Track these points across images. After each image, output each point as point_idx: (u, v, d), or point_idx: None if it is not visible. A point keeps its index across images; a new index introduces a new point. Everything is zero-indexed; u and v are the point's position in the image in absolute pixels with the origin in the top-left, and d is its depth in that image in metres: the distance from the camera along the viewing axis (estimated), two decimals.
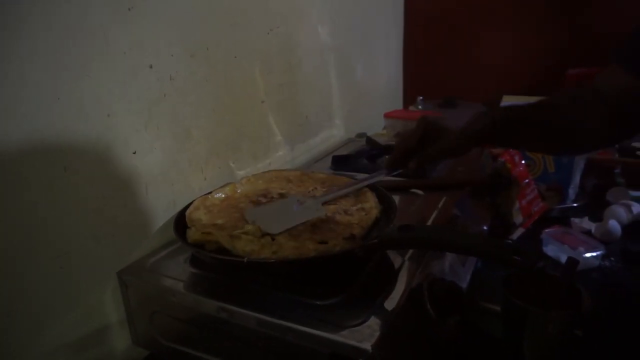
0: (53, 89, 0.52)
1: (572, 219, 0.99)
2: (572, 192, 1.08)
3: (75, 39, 0.54)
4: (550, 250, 0.88)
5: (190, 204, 0.67)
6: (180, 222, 0.63)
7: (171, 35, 0.67)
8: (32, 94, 0.50)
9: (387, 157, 0.65)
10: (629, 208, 0.98)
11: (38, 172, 0.52)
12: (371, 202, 0.66)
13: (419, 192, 0.84)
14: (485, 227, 0.91)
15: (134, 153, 0.63)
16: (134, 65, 0.62)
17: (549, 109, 0.64)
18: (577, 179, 1.08)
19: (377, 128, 1.47)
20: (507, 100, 1.18)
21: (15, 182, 0.50)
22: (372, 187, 0.71)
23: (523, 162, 1.02)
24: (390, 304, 0.51)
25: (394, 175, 0.68)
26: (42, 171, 0.52)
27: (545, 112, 0.63)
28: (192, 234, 0.57)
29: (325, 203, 0.66)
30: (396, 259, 0.60)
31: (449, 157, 0.63)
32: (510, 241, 0.93)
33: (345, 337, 0.46)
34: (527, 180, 1.00)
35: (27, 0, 0.48)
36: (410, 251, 0.62)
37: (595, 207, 1.03)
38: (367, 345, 0.44)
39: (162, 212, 0.69)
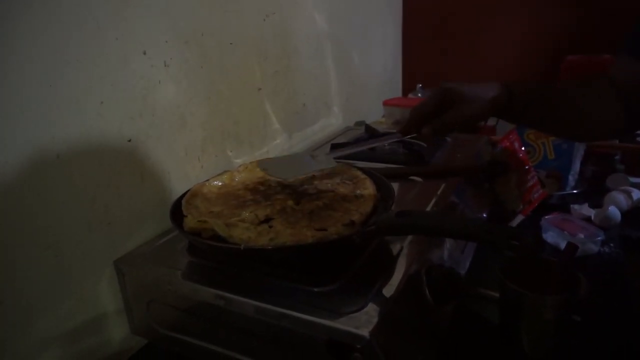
0: (44, 76, 0.51)
1: (572, 205, 0.99)
2: (571, 178, 1.08)
3: (65, 25, 0.53)
4: (550, 236, 0.88)
5: (187, 191, 0.66)
6: (177, 209, 0.62)
7: (165, 21, 0.66)
8: (23, 81, 0.49)
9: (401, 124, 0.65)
10: (628, 194, 0.97)
11: (29, 160, 0.51)
12: (370, 189, 0.66)
13: (418, 179, 0.84)
14: (484, 214, 0.91)
15: (129, 141, 0.63)
16: (127, 51, 0.61)
17: (563, 93, 0.64)
18: (577, 165, 1.08)
19: (376, 116, 1.46)
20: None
21: (6, 170, 0.49)
22: (370, 174, 0.71)
23: (523, 148, 1.01)
24: (388, 290, 0.51)
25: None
26: (33, 159, 0.51)
27: (560, 95, 0.64)
28: (188, 222, 0.57)
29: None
30: (394, 246, 0.60)
31: (464, 125, 0.62)
32: (508, 227, 0.93)
33: (342, 323, 0.46)
34: (526, 167, 1.00)
35: None
36: (409, 237, 0.61)
37: (595, 194, 1.03)
38: (365, 332, 0.44)
39: (158, 201, 0.69)
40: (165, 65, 0.67)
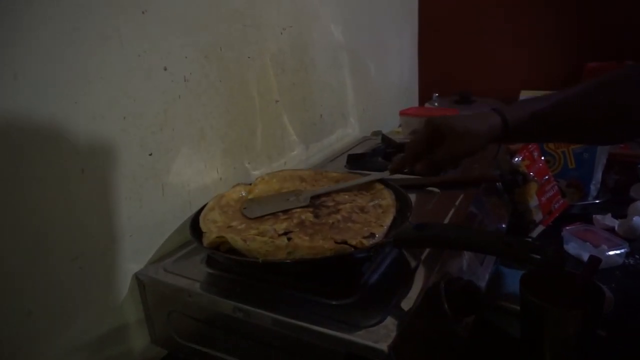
0: (69, 92, 0.53)
1: (595, 215, 0.97)
2: (593, 188, 1.06)
3: (90, 43, 0.55)
4: (572, 248, 0.86)
5: (205, 205, 0.67)
6: (197, 222, 0.63)
7: (185, 37, 0.68)
8: (50, 98, 0.51)
9: (394, 159, 0.64)
10: None
11: (55, 175, 0.52)
12: (388, 199, 0.66)
13: (435, 189, 0.83)
14: (503, 225, 0.90)
15: (150, 155, 0.64)
16: (149, 67, 0.63)
17: (566, 105, 0.59)
18: (598, 174, 1.06)
19: (393, 126, 1.46)
20: (525, 95, 1.16)
21: (34, 184, 0.50)
22: (387, 185, 0.71)
23: (542, 158, 1.00)
24: (406, 303, 0.51)
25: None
26: (60, 173, 0.53)
27: (565, 108, 0.59)
28: (207, 238, 0.58)
29: (317, 197, 0.69)
30: (412, 258, 0.60)
31: (458, 160, 0.60)
32: (529, 239, 0.91)
33: (361, 337, 0.46)
34: (546, 177, 0.98)
35: (42, 7, 0.49)
36: (427, 250, 0.61)
37: (619, 204, 1.00)
38: (384, 346, 0.44)
39: (178, 213, 0.70)
40: (185, 80, 0.69)
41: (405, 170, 0.64)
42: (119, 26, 0.58)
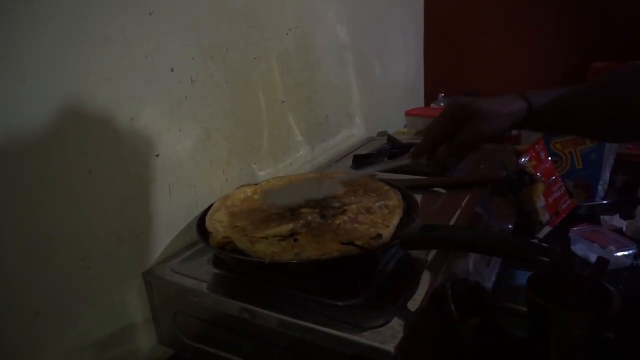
0: (77, 94, 0.53)
1: (602, 216, 0.96)
2: (601, 188, 1.05)
3: (97, 45, 0.55)
4: (579, 249, 0.85)
5: (211, 205, 0.68)
6: (203, 222, 0.63)
7: (191, 38, 0.68)
8: (57, 99, 0.51)
9: (414, 146, 0.61)
10: None
11: (63, 175, 0.53)
12: (394, 200, 0.66)
13: (441, 190, 0.83)
14: (510, 226, 0.89)
15: (157, 155, 0.64)
16: (156, 68, 0.63)
17: (576, 100, 0.58)
18: (606, 175, 1.05)
19: (398, 126, 1.46)
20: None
21: (40, 185, 0.51)
22: (393, 186, 0.71)
23: (549, 158, 0.99)
24: (412, 304, 0.51)
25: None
26: (67, 174, 0.53)
27: (589, 98, 0.57)
28: (214, 238, 0.58)
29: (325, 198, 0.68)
30: (419, 259, 0.60)
31: (482, 142, 0.57)
32: (535, 240, 0.91)
33: (367, 338, 0.46)
34: (553, 177, 0.98)
35: (49, 9, 0.50)
36: (433, 251, 0.61)
37: (626, 204, 0.99)
38: (390, 347, 0.44)
39: (184, 214, 0.70)
40: (191, 81, 0.69)
41: (425, 158, 0.61)
42: (125, 27, 0.58)
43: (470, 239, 0.48)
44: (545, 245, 0.42)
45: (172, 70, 0.65)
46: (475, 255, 0.68)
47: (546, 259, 0.41)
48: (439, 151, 0.58)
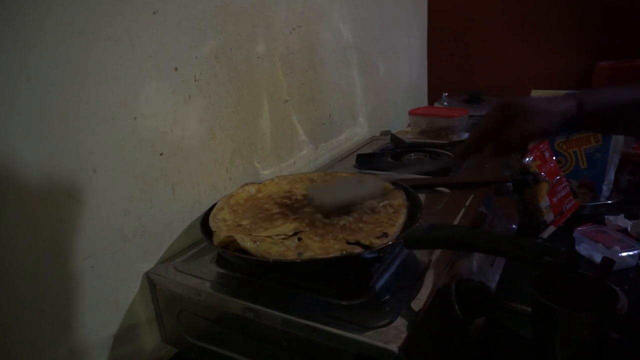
0: (81, 93, 0.53)
1: (607, 216, 0.96)
2: (605, 188, 1.05)
3: (102, 44, 0.55)
4: (583, 249, 0.85)
5: (215, 205, 0.68)
6: (207, 222, 0.63)
7: (195, 37, 0.68)
8: (61, 99, 0.51)
9: (459, 143, 0.60)
10: None
11: (67, 175, 0.53)
12: (399, 199, 0.65)
13: (445, 190, 0.83)
14: (514, 226, 0.89)
15: (161, 154, 0.64)
16: (160, 68, 0.63)
17: None
18: (611, 175, 1.05)
19: (402, 125, 1.46)
20: (537, 95, 1.15)
21: (45, 185, 0.51)
22: (397, 185, 0.71)
23: (554, 158, 0.99)
24: (416, 304, 0.51)
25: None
26: (71, 173, 0.53)
27: None
28: (217, 237, 0.58)
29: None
30: (422, 258, 0.60)
31: (529, 141, 0.56)
32: (540, 240, 0.90)
33: (371, 338, 0.46)
34: (558, 177, 0.97)
35: (54, 8, 0.50)
36: (438, 250, 0.60)
37: (631, 204, 0.99)
38: (394, 347, 0.44)
39: (187, 213, 0.70)
40: (195, 80, 0.69)
41: (470, 155, 0.60)
42: (129, 27, 0.58)
43: (476, 239, 0.47)
44: (550, 245, 0.42)
45: (176, 69, 0.65)
46: (479, 255, 0.68)
47: (552, 260, 0.40)
48: (484, 151, 0.56)
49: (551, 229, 0.94)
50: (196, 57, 0.69)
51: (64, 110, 0.52)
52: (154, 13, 0.61)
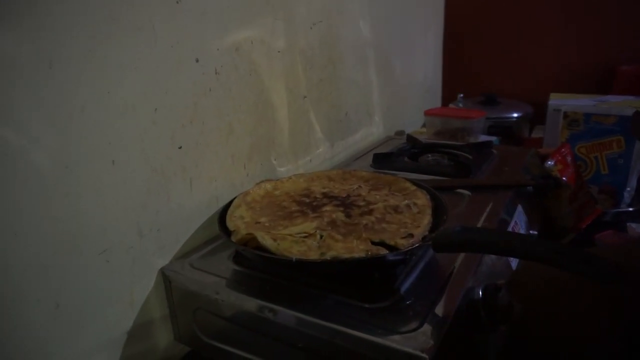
0: (102, 83, 0.52)
1: (629, 223, 0.94)
2: (627, 195, 1.02)
3: (124, 33, 0.54)
4: None
5: (232, 201, 0.66)
6: (224, 219, 0.62)
7: (217, 28, 0.67)
8: (82, 87, 0.50)
9: None
10: None
11: (86, 165, 0.51)
12: (423, 199, 0.64)
13: (466, 192, 0.81)
14: (534, 231, 0.87)
15: (180, 148, 0.63)
16: (181, 59, 0.61)
17: None
18: (633, 181, 1.02)
19: (416, 126, 1.44)
20: (556, 98, 1.13)
21: (63, 176, 0.49)
22: (420, 186, 0.69)
23: (575, 162, 0.97)
24: (444, 309, 0.49)
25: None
26: (91, 164, 0.52)
27: None
28: (236, 235, 0.56)
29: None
30: (447, 261, 0.58)
31: None
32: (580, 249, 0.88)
33: (398, 343, 0.44)
34: (579, 182, 0.95)
35: None
36: (463, 254, 0.59)
37: None
38: (423, 353, 0.42)
39: (204, 208, 0.69)
40: (216, 73, 0.67)
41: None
42: (152, 16, 0.56)
43: (512, 243, 0.45)
44: (592, 255, 0.40)
45: (197, 61, 0.64)
46: (503, 259, 0.66)
47: (595, 272, 0.38)
48: None
49: (571, 235, 0.92)
50: (217, 49, 0.67)
51: (84, 99, 0.50)
52: (177, 2, 0.60)
